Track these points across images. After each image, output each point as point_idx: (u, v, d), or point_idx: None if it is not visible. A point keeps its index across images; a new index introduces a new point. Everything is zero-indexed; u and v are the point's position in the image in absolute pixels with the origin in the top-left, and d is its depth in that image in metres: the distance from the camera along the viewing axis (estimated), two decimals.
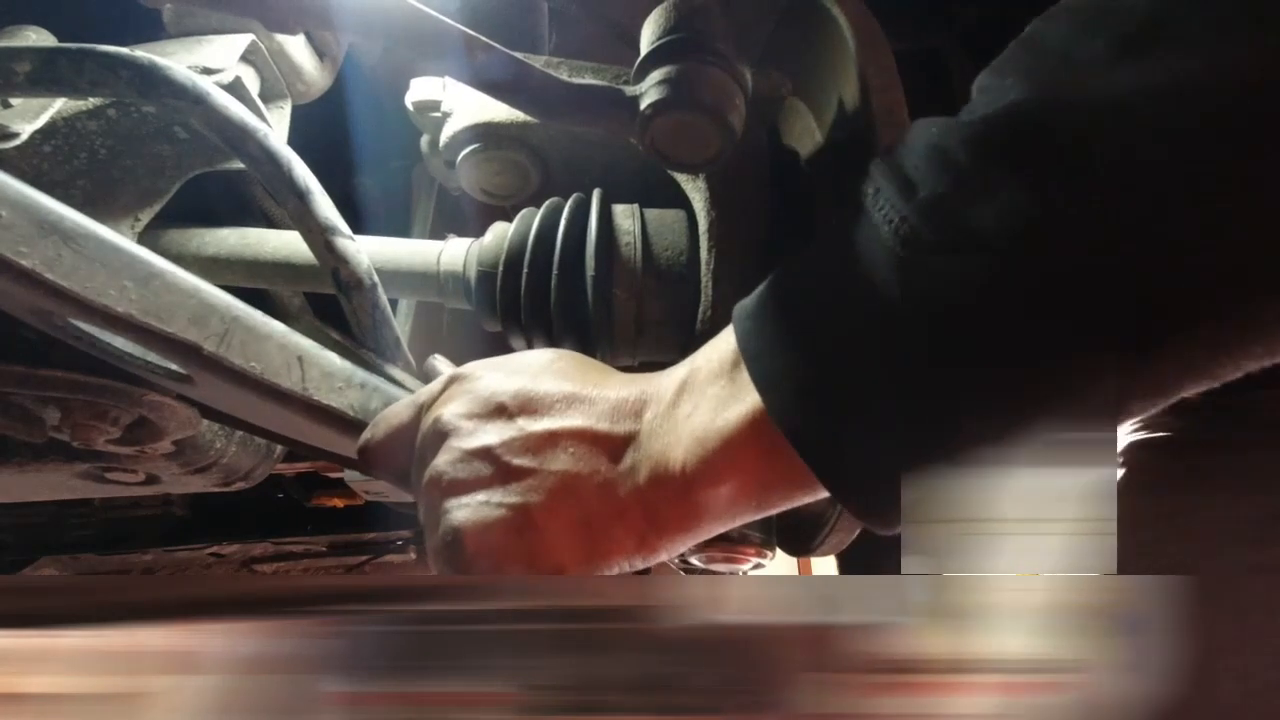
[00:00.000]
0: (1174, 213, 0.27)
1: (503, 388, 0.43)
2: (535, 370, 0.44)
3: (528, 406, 0.42)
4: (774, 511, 0.39)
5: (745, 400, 0.36)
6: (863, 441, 0.33)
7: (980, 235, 0.29)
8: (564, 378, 0.43)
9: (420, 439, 0.44)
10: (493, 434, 0.41)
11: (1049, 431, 0.30)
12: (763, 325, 0.36)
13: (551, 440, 0.40)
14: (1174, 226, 0.27)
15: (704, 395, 0.38)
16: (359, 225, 0.60)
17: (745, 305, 0.38)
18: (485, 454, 0.41)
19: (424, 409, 0.46)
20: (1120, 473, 0.74)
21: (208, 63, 0.59)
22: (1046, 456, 0.30)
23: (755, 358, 0.36)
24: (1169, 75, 0.27)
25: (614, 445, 0.40)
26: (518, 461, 0.40)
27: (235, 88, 0.59)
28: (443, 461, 0.42)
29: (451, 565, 0.40)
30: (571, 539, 0.39)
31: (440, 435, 0.43)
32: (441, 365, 0.55)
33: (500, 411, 0.42)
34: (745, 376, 0.36)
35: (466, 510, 0.40)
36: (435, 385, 0.47)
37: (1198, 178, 0.27)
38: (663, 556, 0.41)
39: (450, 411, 0.43)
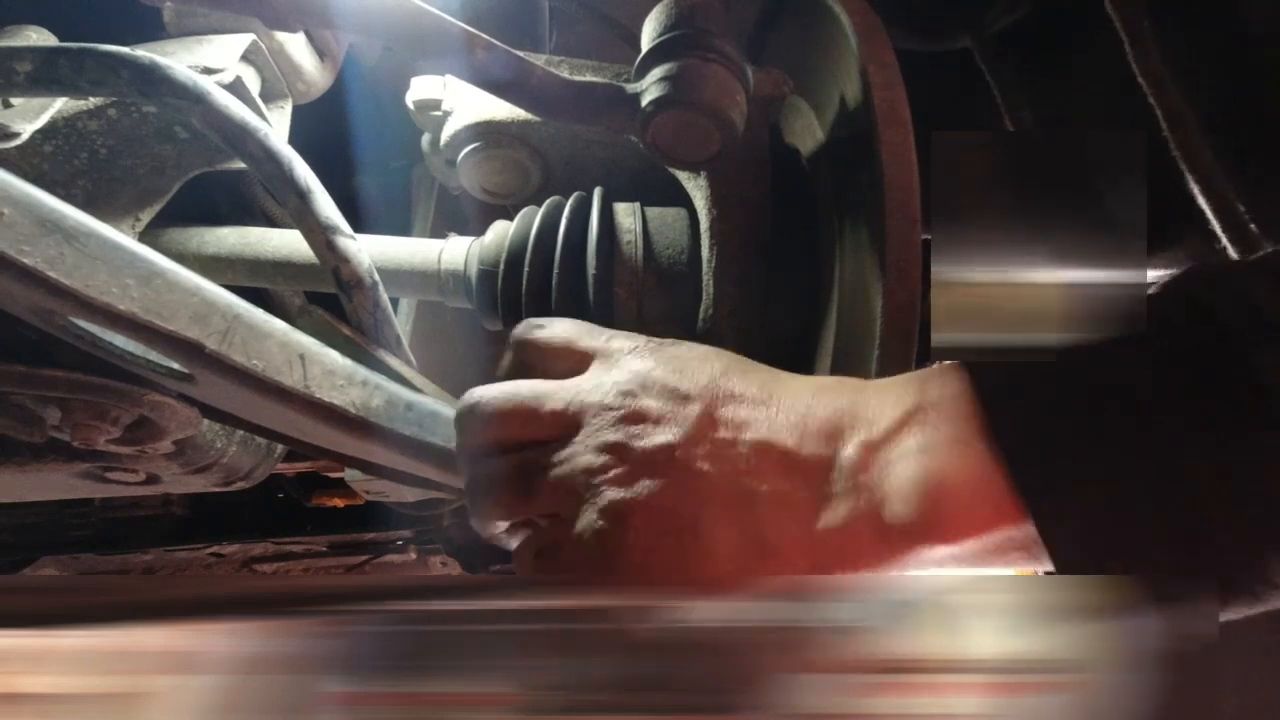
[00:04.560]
0: None
1: (693, 380, 0.39)
2: (709, 367, 0.39)
3: (715, 403, 0.38)
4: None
5: (1005, 499, 0.32)
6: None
7: None
8: (742, 376, 0.39)
9: (583, 406, 0.39)
10: (676, 429, 0.37)
11: None
12: (1056, 457, 0.32)
13: (733, 450, 0.37)
14: None
15: (938, 452, 0.34)
16: (359, 224, 0.60)
17: (1013, 403, 0.33)
18: (666, 450, 0.37)
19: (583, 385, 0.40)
20: None
21: (208, 62, 0.59)
22: None
23: (1045, 504, 0.31)
24: None
25: (804, 470, 0.36)
26: (700, 465, 0.37)
27: (236, 87, 0.59)
28: (609, 440, 0.37)
29: (600, 551, 0.37)
30: (738, 558, 0.36)
31: (611, 410, 0.38)
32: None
33: (685, 401, 0.38)
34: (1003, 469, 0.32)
35: (630, 500, 0.36)
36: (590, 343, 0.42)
37: None
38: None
39: (630, 385, 0.39)
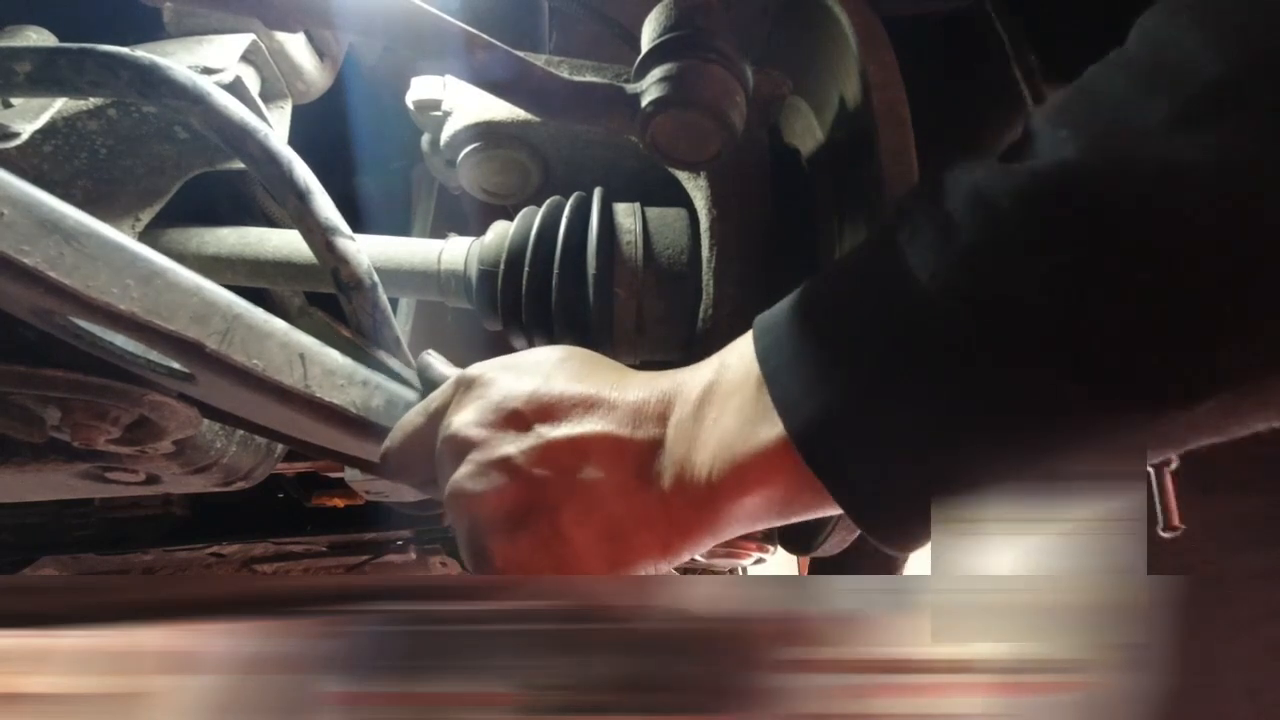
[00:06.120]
0: (1234, 295, 0.27)
1: (516, 392, 0.41)
2: (548, 370, 0.42)
3: (544, 412, 0.40)
4: (797, 520, 0.39)
5: (772, 419, 0.35)
6: (884, 469, 0.33)
7: (1021, 294, 0.29)
8: (578, 378, 0.41)
9: (437, 450, 0.43)
10: (510, 444, 0.40)
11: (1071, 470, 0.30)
12: (784, 346, 0.36)
13: (572, 448, 0.39)
14: (1231, 308, 0.27)
15: (728, 405, 0.37)
16: (359, 224, 0.60)
17: (767, 320, 0.37)
18: (504, 465, 0.39)
19: (437, 416, 0.45)
20: None
21: (208, 63, 0.59)
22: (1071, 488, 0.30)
23: (776, 379, 0.35)
24: (1234, 150, 0.26)
25: (637, 451, 0.39)
26: (539, 472, 0.39)
27: (235, 88, 0.59)
28: (462, 476, 0.40)
29: (484, 575, 0.40)
30: (598, 547, 0.39)
31: (456, 447, 0.42)
32: (436, 362, 0.54)
33: (515, 418, 0.41)
34: (768, 394, 0.36)
35: (492, 526, 0.39)
36: (445, 390, 0.46)
37: (1259, 260, 0.26)
38: (685, 558, 0.41)
39: (463, 420, 0.42)
